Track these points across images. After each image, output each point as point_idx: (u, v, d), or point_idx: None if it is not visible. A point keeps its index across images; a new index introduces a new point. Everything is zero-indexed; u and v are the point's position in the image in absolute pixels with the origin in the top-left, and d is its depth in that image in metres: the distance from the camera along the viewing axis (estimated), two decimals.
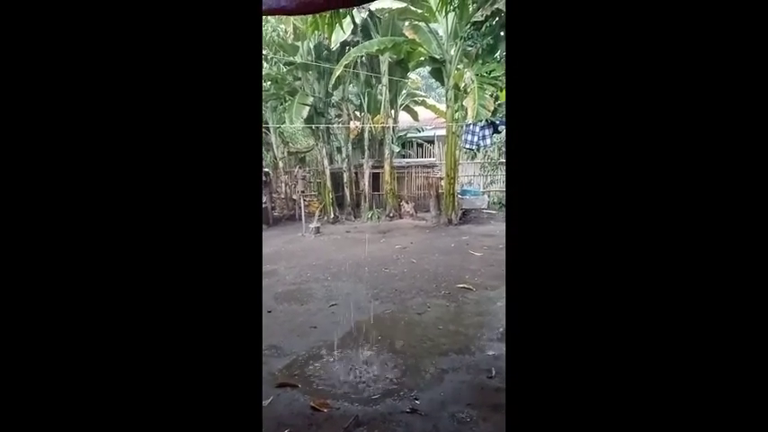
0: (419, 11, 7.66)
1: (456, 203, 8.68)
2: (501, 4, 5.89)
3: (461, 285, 4.44)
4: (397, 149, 10.40)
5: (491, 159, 10.20)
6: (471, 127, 6.32)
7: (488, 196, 9.91)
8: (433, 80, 10.62)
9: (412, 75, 11.72)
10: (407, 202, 9.98)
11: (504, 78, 6.59)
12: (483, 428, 2.08)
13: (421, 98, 12.03)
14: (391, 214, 9.62)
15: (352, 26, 8.46)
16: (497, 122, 6.20)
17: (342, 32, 8.31)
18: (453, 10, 6.29)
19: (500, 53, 6.66)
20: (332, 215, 9.58)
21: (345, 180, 10.05)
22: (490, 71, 6.80)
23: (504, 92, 6.76)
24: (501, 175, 10.13)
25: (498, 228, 8.00)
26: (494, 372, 2.64)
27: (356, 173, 10.22)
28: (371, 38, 8.35)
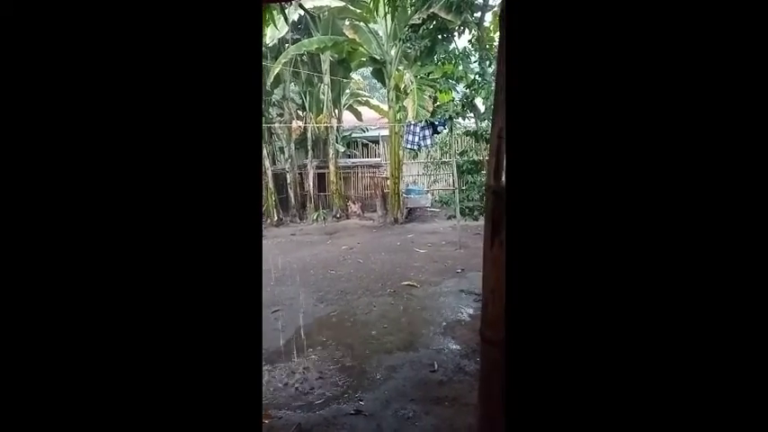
0: (358, 10, 7.67)
1: (401, 202, 8.82)
2: (436, 9, 6.08)
3: (406, 283, 4.52)
4: (342, 149, 10.31)
5: (434, 159, 10.52)
6: (412, 127, 6.47)
7: (432, 195, 10.21)
8: (376, 80, 10.71)
9: (355, 75, 11.70)
10: (354, 203, 9.96)
11: (441, 81, 6.82)
12: (425, 422, 2.13)
13: (364, 98, 12.07)
14: (338, 215, 9.53)
15: (287, 23, 8.25)
16: (436, 123, 6.41)
17: (277, 30, 8.06)
18: (390, 12, 6.38)
19: (437, 56, 6.88)
20: (275, 218, 9.26)
21: (289, 181, 9.77)
22: (428, 73, 7.00)
23: (442, 93, 7.00)
24: (443, 173, 10.48)
25: (441, 225, 8.27)
26: (436, 365, 2.71)
27: (300, 173, 9.98)
28: (311, 36, 8.20)
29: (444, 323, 3.44)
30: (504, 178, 1.14)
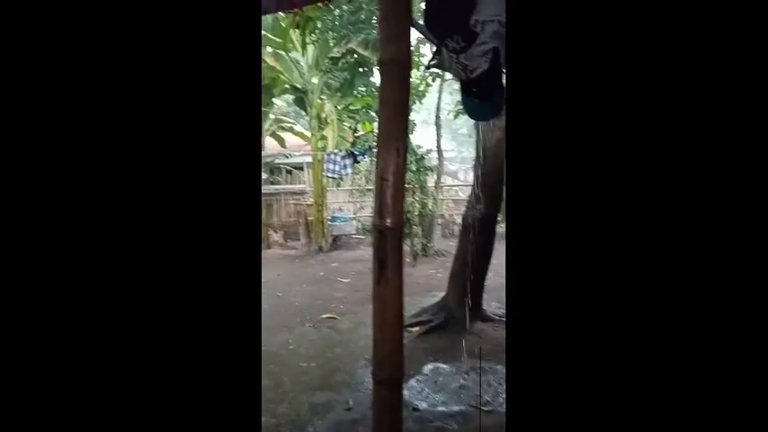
0: (278, 39, 7.67)
1: (326, 230, 8.71)
2: (354, 44, 6.35)
3: (327, 315, 4.39)
4: (264, 176, 9.92)
5: (359, 186, 10.66)
6: (333, 156, 6.53)
7: (357, 222, 10.27)
8: (299, 108, 10.67)
9: (279, 101, 11.52)
10: (276, 231, 9.57)
11: (362, 112, 7.05)
12: None
13: (288, 125, 11.91)
14: None
15: None
16: (357, 153, 6.56)
17: None
18: (312, 43, 6.47)
19: (357, 89, 7.13)
20: None
21: None
22: (348, 104, 7.19)
23: (362, 124, 7.21)
24: (369, 201, 10.65)
25: (366, 252, 8.31)
26: (351, 403, 2.63)
27: None
28: None
29: (365, 356, 3.38)
30: (388, 219, 1.18)
